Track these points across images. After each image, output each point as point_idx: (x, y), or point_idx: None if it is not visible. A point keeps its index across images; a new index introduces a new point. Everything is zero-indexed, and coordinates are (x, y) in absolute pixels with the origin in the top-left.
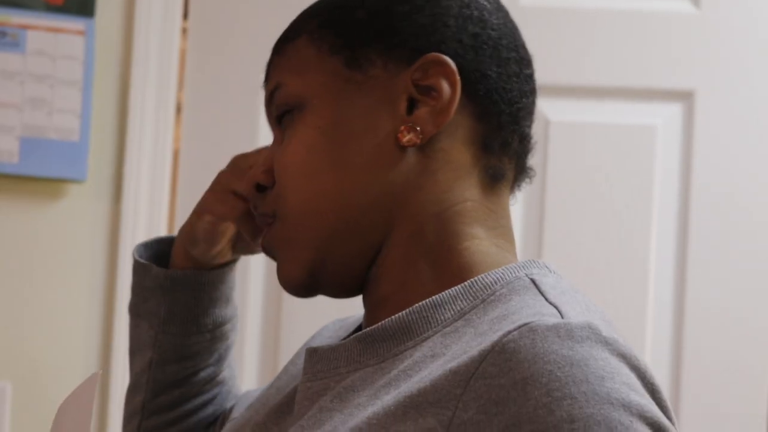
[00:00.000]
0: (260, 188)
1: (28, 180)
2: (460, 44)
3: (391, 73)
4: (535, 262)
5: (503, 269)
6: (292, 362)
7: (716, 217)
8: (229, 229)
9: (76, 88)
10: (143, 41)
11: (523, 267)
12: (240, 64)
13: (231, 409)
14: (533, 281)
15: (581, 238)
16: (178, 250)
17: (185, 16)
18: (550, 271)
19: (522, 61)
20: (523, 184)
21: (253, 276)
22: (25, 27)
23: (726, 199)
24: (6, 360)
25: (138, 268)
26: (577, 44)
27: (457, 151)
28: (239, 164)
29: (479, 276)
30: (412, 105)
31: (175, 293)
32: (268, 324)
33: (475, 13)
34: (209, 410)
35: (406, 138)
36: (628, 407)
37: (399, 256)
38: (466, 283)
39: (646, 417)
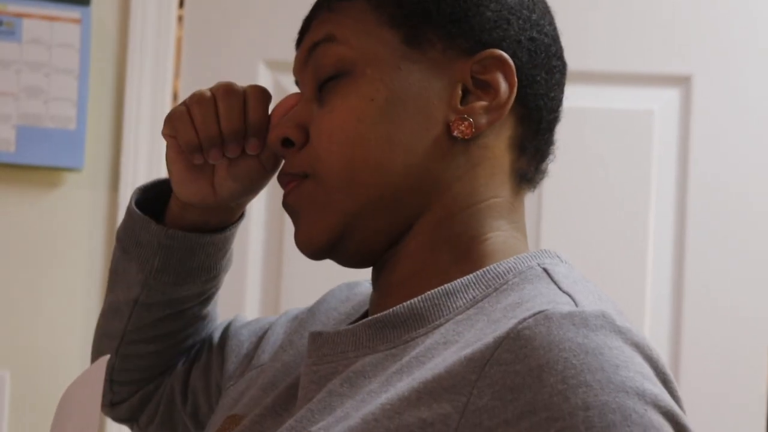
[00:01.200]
0: (287, 143)
1: (25, 169)
2: (518, 45)
3: (449, 58)
4: (546, 252)
5: (515, 259)
6: (297, 332)
7: (714, 202)
8: (208, 175)
9: (73, 76)
10: (139, 29)
11: (534, 256)
12: (236, 52)
13: (222, 345)
14: (545, 270)
15: (578, 223)
16: (176, 204)
17: (181, 4)
18: (562, 261)
19: (564, 69)
20: (535, 187)
21: (252, 252)
22: (20, 15)
23: (723, 183)
24: (4, 349)
25: (135, 217)
26: (573, 29)
27: (499, 150)
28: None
29: (492, 265)
30: (463, 95)
31: (172, 249)
32: (267, 293)
33: (534, 16)
34: (189, 342)
35: (460, 128)
36: (642, 396)
37: (423, 240)
38: (478, 271)
39: (660, 406)
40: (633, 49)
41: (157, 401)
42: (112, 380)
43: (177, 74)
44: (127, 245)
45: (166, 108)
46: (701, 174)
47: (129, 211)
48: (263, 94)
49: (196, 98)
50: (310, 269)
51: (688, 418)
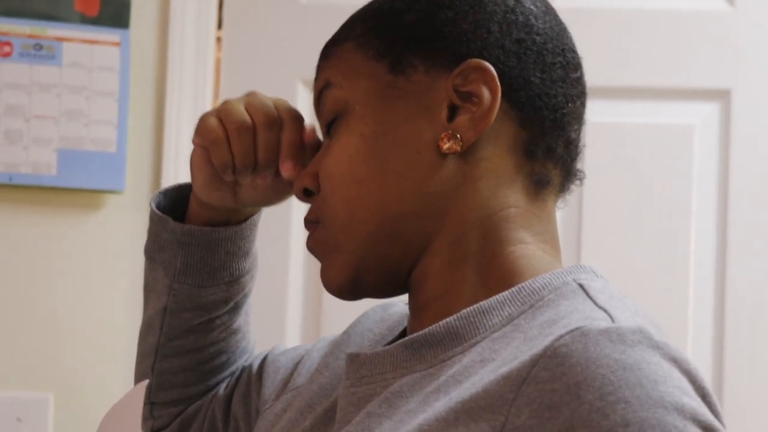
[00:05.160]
0: (308, 193)
1: (67, 191)
2: (502, 50)
3: (432, 78)
4: (581, 267)
5: (551, 274)
6: (333, 354)
7: (755, 216)
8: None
9: (113, 99)
10: (178, 51)
11: (570, 272)
12: (274, 72)
13: (260, 371)
14: (581, 286)
15: (620, 238)
16: (195, 203)
17: (219, 25)
18: (597, 276)
19: (568, 65)
20: (573, 187)
21: (294, 260)
22: (60, 39)
23: (764, 197)
24: (47, 371)
25: (155, 218)
26: (612, 45)
27: (500, 158)
28: (225, 106)
29: (527, 282)
30: (453, 112)
31: (191, 247)
32: (309, 310)
33: (521, 18)
34: (223, 358)
35: (447, 145)
36: (681, 411)
37: (443, 262)
38: (513, 288)
39: (699, 420)
40: (673, 64)
41: (198, 427)
42: (152, 403)
43: (216, 95)
44: (151, 252)
45: None
46: (743, 187)
47: (150, 215)
48: (299, 121)
49: (236, 125)
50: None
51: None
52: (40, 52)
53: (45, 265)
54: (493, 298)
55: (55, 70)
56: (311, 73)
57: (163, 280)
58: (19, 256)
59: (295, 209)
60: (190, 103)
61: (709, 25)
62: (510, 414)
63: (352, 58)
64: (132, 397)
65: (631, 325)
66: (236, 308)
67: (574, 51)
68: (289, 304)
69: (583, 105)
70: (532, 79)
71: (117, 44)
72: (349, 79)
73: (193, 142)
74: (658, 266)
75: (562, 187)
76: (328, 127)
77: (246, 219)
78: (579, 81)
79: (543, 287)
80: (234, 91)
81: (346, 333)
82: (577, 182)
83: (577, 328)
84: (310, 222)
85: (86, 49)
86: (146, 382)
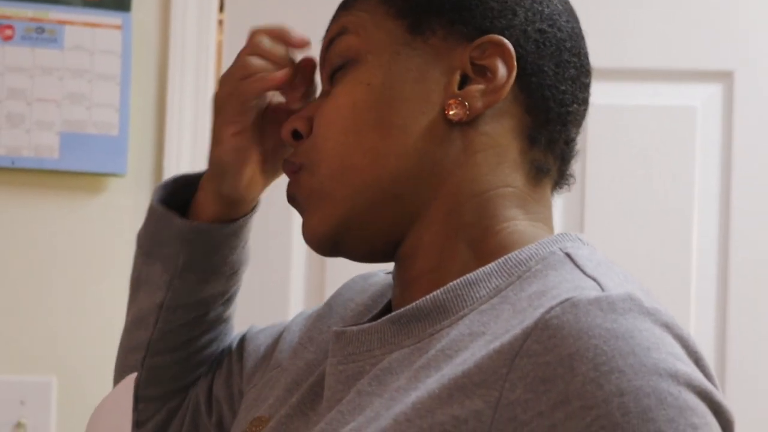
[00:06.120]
0: (296, 135)
1: (69, 175)
2: (524, 35)
3: (449, 46)
4: (567, 235)
5: (537, 245)
6: (316, 327)
7: (757, 197)
8: (254, 152)
9: (115, 82)
10: (180, 34)
11: (556, 241)
12: None
13: (240, 351)
14: (568, 255)
15: (621, 219)
16: (206, 196)
17: (221, 8)
18: (584, 243)
19: (581, 68)
20: (563, 190)
21: (297, 234)
22: (62, 23)
23: (767, 179)
24: (50, 355)
25: (158, 214)
26: (614, 26)
27: (503, 138)
28: (227, 81)
29: (513, 253)
30: (464, 82)
31: (196, 244)
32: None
33: (546, 11)
34: (214, 347)
35: (453, 111)
36: (675, 377)
37: (436, 233)
38: (500, 260)
39: (693, 385)
40: (675, 46)
41: (182, 415)
42: (137, 397)
43: (218, 78)
44: (149, 248)
45: (208, 112)
46: (745, 169)
47: (151, 210)
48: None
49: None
50: (355, 264)
51: (722, 395)
52: (42, 35)
53: (47, 249)
54: (480, 270)
55: (57, 54)
56: (313, 56)
57: (161, 276)
58: (21, 240)
59: None
60: (191, 86)
61: (711, 6)
62: (504, 389)
63: (374, 11)
64: (119, 393)
65: (621, 292)
66: (230, 300)
67: (587, 58)
68: (291, 278)
69: (585, 112)
70: (546, 69)
71: (119, 27)
72: (367, 30)
73: (244, 79)
74: (660, 248)
75: (556, 184)
76: (332, 74)
77: (249, 212)
78: (587, 87)
79: (529, 258)
80: None
81: (328, 305)
82: (566, 187)
83: (567, 299)
84: (291, 164)
85: (88, 33)
86: (134, 376)
